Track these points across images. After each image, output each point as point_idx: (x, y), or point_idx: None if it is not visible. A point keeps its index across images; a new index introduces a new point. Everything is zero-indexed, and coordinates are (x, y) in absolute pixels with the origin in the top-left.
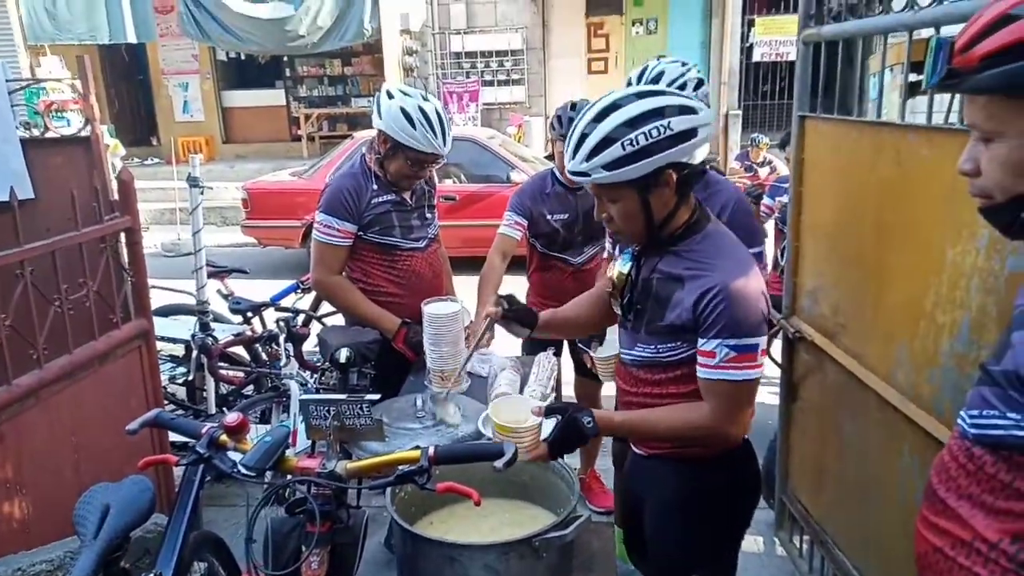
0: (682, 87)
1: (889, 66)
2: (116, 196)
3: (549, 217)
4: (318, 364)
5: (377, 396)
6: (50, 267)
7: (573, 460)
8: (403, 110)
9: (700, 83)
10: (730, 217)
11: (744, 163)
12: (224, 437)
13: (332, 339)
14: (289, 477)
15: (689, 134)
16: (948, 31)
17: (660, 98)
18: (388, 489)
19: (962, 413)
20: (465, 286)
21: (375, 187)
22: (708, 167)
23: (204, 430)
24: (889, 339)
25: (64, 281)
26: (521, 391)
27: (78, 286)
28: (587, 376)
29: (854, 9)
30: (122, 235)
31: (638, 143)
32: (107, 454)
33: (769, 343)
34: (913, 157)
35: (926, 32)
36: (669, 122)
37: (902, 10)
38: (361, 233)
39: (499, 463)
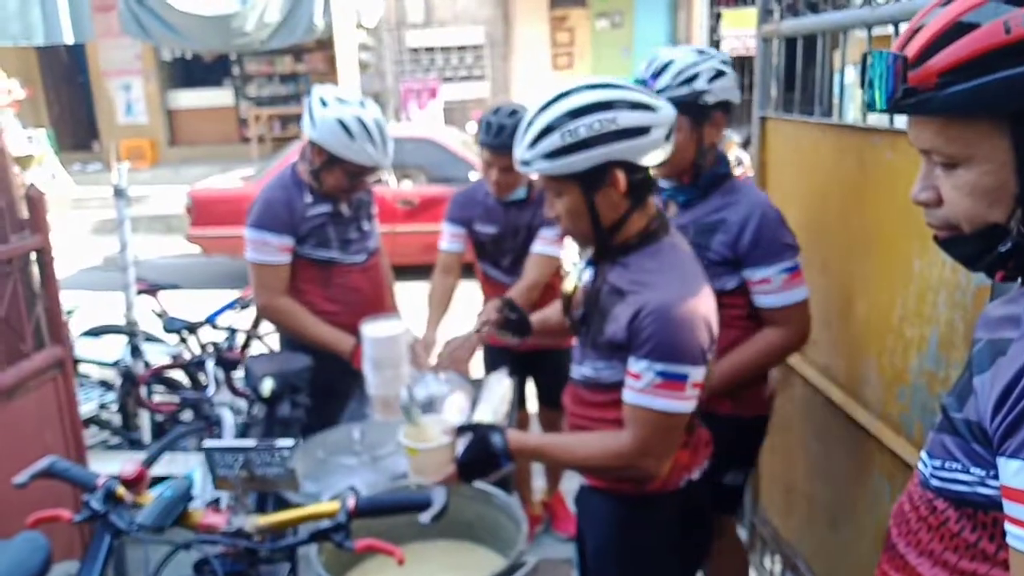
0: (691, 79)
1: (853, 63)
2: (25, 214)
3: (478, 228)
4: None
5: (290, 443)
6: None
7: (540, 479)
8: (340, 121)
9: (719, 74)
10: (754, 235)
11: None
12: (121, 490)
13: (257, 368)
14: (193, 537)
15: (637, 132)
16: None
17: (612, 91)
18: None
19: (923, 457)
20: (426, 294)
21: (309, 198)
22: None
23: (100, 482)
24: (856, 354)
25: None
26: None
27: None
28: (550, 405)
29: (814, 6)
30: (32, 256)
31: (578, 134)
32: (20, 497)
33: None
34: (876, 161)
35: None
36: (615, 116)
37: (861, 5)
38: (297, 247)
39: (425, 516)
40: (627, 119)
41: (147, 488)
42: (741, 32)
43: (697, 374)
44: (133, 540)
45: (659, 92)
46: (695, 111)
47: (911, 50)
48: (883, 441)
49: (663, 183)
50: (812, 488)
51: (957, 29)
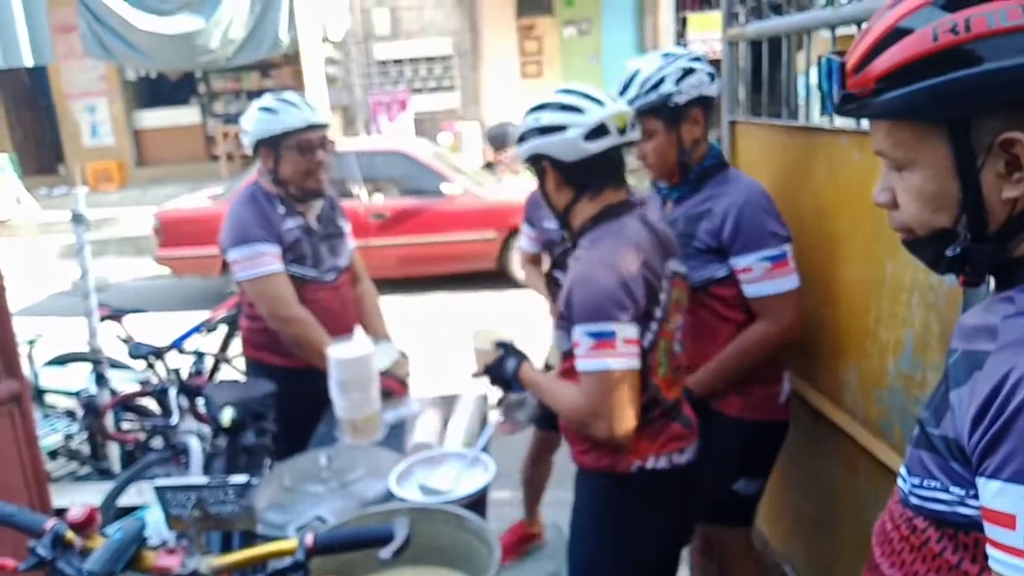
0: (658, 84)
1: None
2: None
3: (545, 225)
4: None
5: (244, 479)
6: None
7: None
8: (260, 108)
9: (687, 72)
10: (735, 222)
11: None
12: (70, 534)
13: (217, 396)
14: None
15: (554, 129)
16: None
17: (557, 95)
18: None
19: (903, 472)
20: (404, 306)
21: (281, 210)
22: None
23: (48, 526)
24: (835, 358)
25: None
26: (442, 441)
27: None
28: (546, 427)
29: (778, 8)
30: None
31: (521, 128)
32: None
33: None
34: (845, 163)
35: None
36: (540, 116)
37: (824, 6)
38: None
39: (386, 552)
40: (548, 118)
41: (99, 530)
42: (707, 35)
43: (625, 331)
44: None
45: (629, 103)
46: (667, 113)
47: (854, 55)
48: (865, 446)
49: (660, 184)
50: (798, 494)
51: (895, 34)
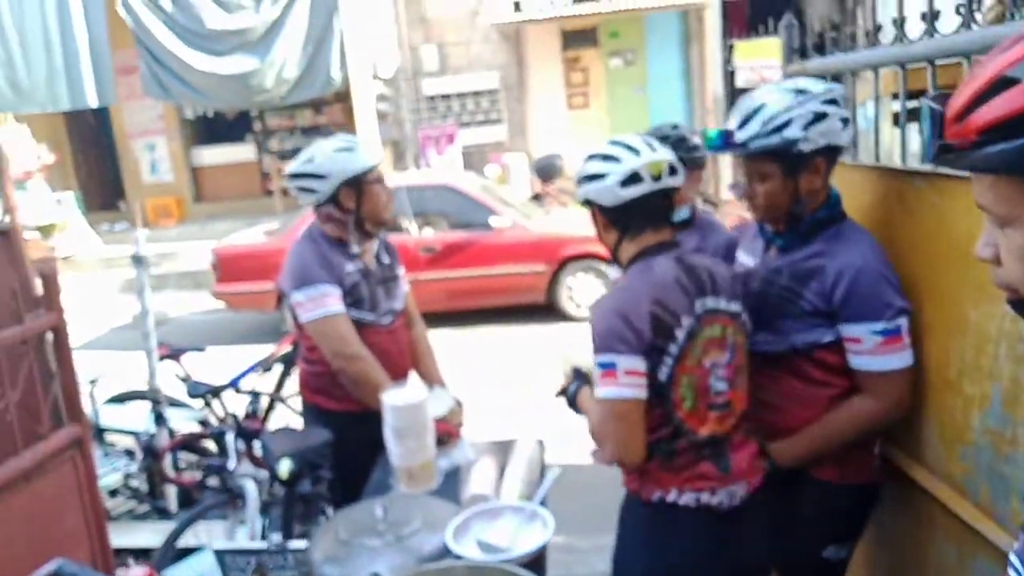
0: (783, 126)
1: (890, 94)
2: (40, 291)
3: None
4: None
5: (303, 545)
6: None
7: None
8: (337, 150)
9: (818, 118)
10: (848, 287)
11: (738, 192)
12: None
13: (275, 446)
14: None
15: (595, 177)
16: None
17: (600, 146)
18: None
19: (1012, 560)
20: (452, 341)
21: (341, 255)
22: (702, 199)
23: None
24: (914, 410)
25: None
26: (499, 491)
27: None
28: None
29: (837, 41)
30: (48, 335)
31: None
32: None
33: None
34: (922, 204)
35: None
36: (587, 165)
37: (892, 43)
38: None
39: None
40: (592, 167)
41: None
42: (755, 63)
43: (627, 362)
44: None
45: (748, 140)
46: (789, 159)
47: (956, 103)
48: (946, 504)
49: (766, 227)
50: (871, 550)
51: (1000, 84)
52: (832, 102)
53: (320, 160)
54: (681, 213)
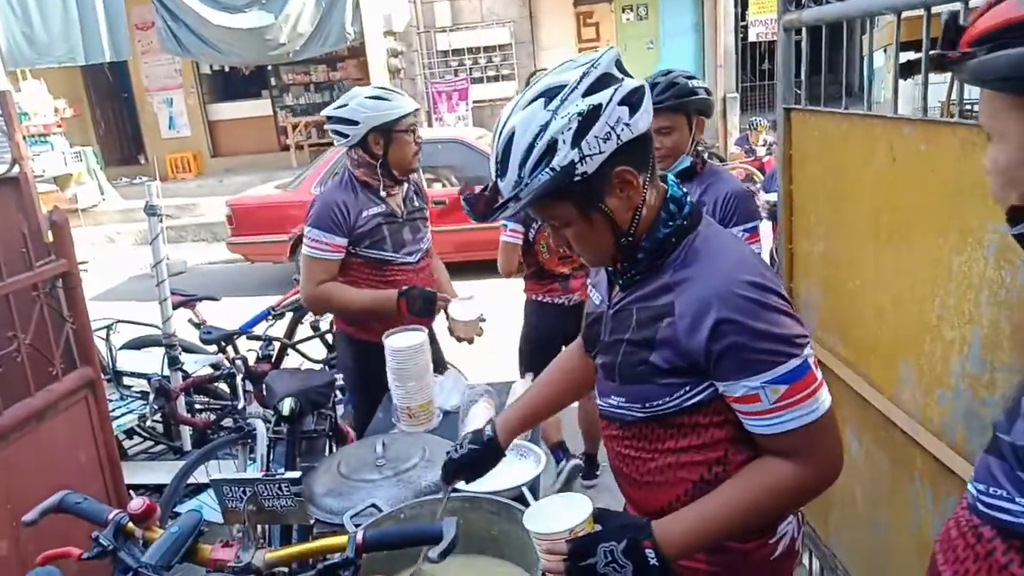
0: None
1: (883, 47)
2: (50, 238)
3: None
4: None
5: (298, 474)
6: None
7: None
8: (370, 97)
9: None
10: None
11: (744, 147)
12: (131, 525)
13: (277, 386)
14: (202, 572)
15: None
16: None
17: None
18: None
19: (971, 481)
20: (461, 291)
21: (366, 199)
22: (708, 153)
23: (110, 516)
24: (893, 354)
25: None
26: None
27: (7, 340)
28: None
29: None
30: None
31: None
32: (55, 519)
33: None
34: (909, 153)
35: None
36: None
37: None
38: (352, 248)
39: (433, 552)
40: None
41: (158, 521)
42: (770, 17)
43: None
44: None
45: (517, 193)
46: (576, 192)
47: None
48: (924, 445)
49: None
50: (850, 488)
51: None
52: (600, 84)
53: (352, 106)
54: (681, 163)
